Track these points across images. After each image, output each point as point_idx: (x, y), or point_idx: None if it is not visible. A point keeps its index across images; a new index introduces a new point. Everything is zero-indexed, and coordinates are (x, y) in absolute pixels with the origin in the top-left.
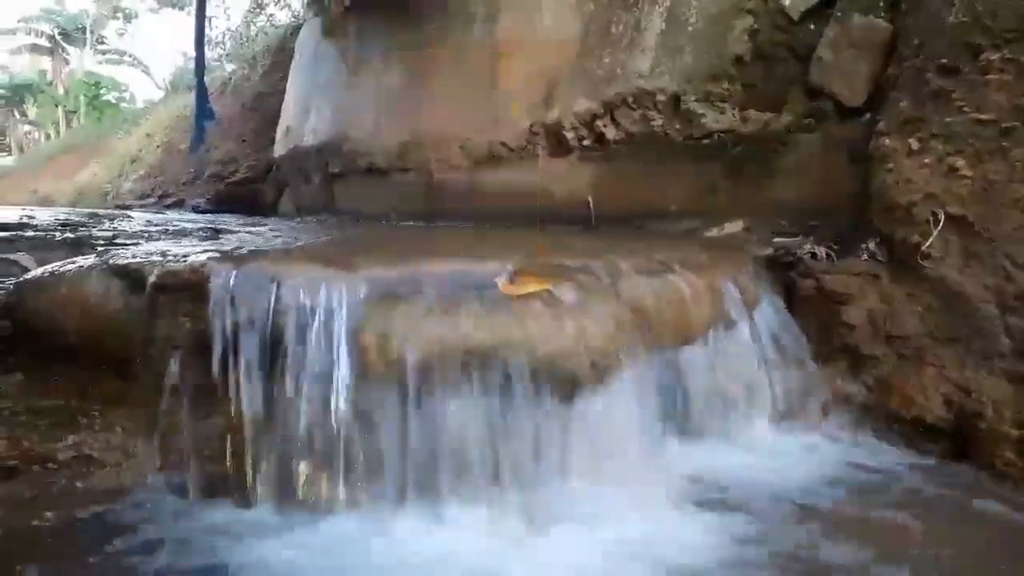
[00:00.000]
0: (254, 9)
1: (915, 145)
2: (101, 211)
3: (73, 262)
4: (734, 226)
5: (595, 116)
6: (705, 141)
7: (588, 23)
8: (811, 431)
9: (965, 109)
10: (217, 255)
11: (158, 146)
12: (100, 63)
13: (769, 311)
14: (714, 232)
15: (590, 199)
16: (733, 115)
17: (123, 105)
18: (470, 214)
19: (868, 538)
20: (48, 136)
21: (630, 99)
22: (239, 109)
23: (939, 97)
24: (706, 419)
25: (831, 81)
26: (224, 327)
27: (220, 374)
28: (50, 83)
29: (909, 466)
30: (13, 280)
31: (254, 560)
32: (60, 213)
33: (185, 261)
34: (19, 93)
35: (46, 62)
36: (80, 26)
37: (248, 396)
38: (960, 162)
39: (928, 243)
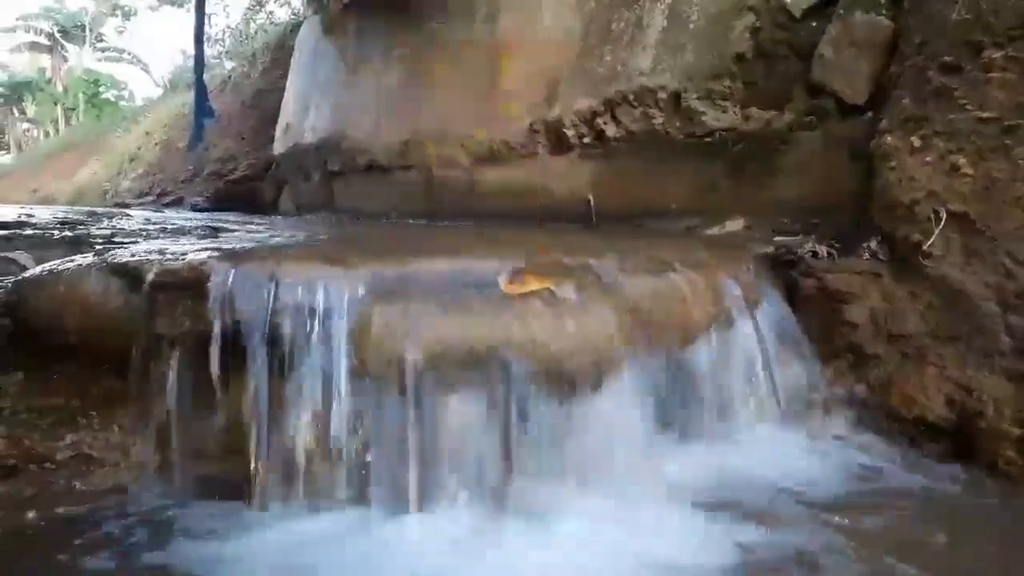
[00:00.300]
0: (254, 6)
1: (917, 143)
2: (100, 209)
3: (72, 260)
4: (735, 224)
5: (596, 114)
6: (706, 139)
7: (589, 21)
8: (812, 430)
9: (967, 107)
10: (216, 253)
11: (157, 144)
12: (99, 61)
13: (770, 310)
14: (715, 230)
15: (591, 197)
16: (734, 113)
17: (122, 103)
18: (470, 212)
19: (869, 538)
20: (47, 134)
21: (631, 97)
22: (238, 107)
23: (941, 95)
24: (707, 419)
25: (833, 79)
26: (223, 325)
27: (219, 373)
28: (49, 81)
29: (910, 465)
30: (11, 279)
31: (253, 559)
32: (59, 211)
33: (184, 259)
34: (18, 91)
35: (45, 60)
36: (79, 24)
37: (247, 395)
38: (962, 160)
39: (930, 241)
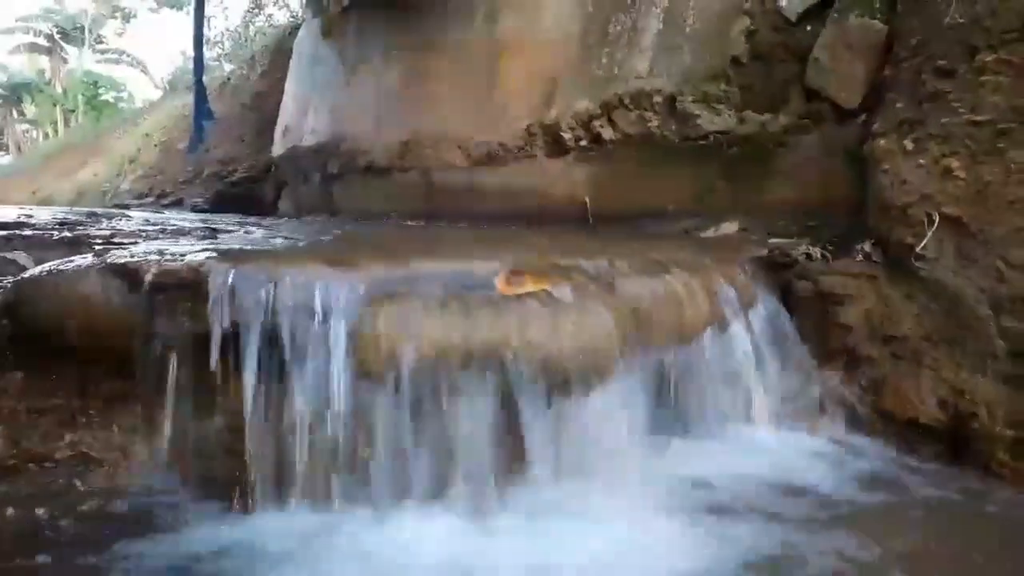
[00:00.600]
0: (253, 9)
1: (910, 146)
2: (99, 210)
3: (71, 261)
4: (730, 227)
5: (592, 116)
6: (702, 142)
7: (587, 23)
8: (807, 432)
9: (961, 110)
10: (215, 254)
11: (156, 146)
12: (99, 63)
13: (765, 312)
14: (711, 232)
15: (587, 199)
16: (730, 116)
17: (121, 105)
18: (469, 214)
19: (862, 539)
20: (46, 135)
21: (627, 100)
22: (238, 109)
23: (935, 98)
24: (702, 419)
25: (827, 82)
26: (222, 326)
27: (218, 373)
28: (48, 82)
29: (904, 467)
30: (11, 279)
31: (251, 559)
32: (58, 212)
33: (183, 260)
34: (17, 92)
35: (44, 61)
36: (79, 25)
37: (246, 395)
38: (955, 163)
39: (922, 244)
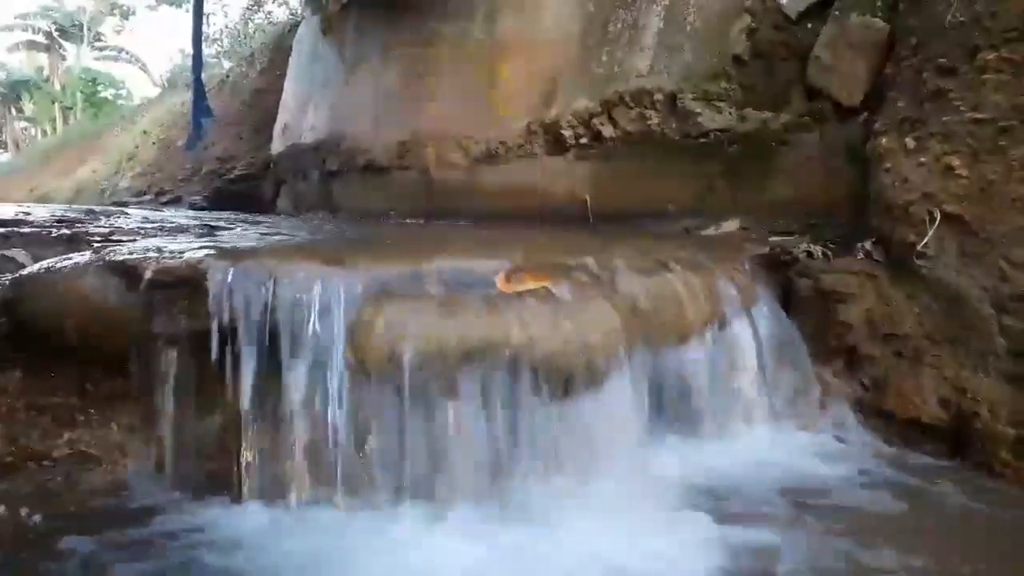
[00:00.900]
0: (252, 6)
1: (912, 144)
2: (98, 208)
3: (69, 258)
4: (731, 225)
5: (593, 115)
6: (702, 140)
7: (587, 22)
8: (807, 430)
9: (962, 108)
10: (214, 252)
11: (155, 143)
12: (97, 60)
13: (766, 310)
14: (711, 231)
15: (588, 198)
16: (730, 114)
17: (120, 102)
18: (469, 212)
19: (862, 537)
20: (45, 133)
21: (628, 98)
22: (237, 106)
23: (937, 97)
24: (702, 417)
25: (829, 81)
26: (221, 323)
27: (217, 370)
28: (47, 80)
29: (905, 465)
30: (9, 276)
31: (250, 556)
32: (57, 210)
33: (182, 257)
34: (16, 90)
35: (43, 59)
36: (77, 23)
37: (245, 392)
38: (957, 161)
39: (924, 243)
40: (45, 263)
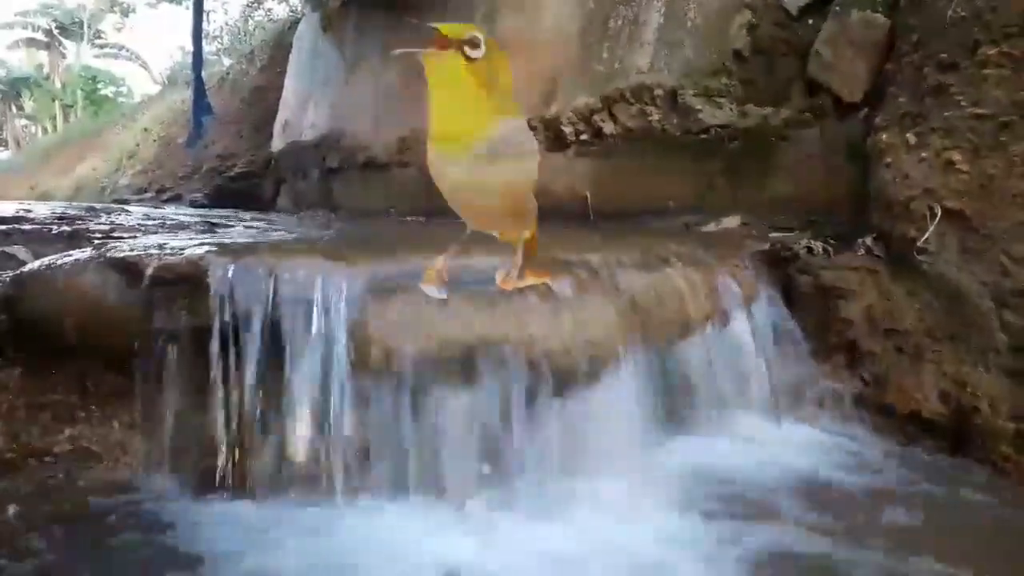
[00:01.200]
0: (252, 4)
1: (913, 140)
2: (98, 205)
3: (70, 255)
4: (732, 221)
5: (593, 111)
6: (703, 136)
7: (587, 19)
8: (808, 426)
9: (963, 104)
10: (215, 248)
11: (155, 141)
12: (97, 57)
13: (766, 306)
14: (712, 227)
15: (588, 194)
16: (731, 110)
17: (120, 100)
18: None
19: (863, 533)
20: (45, 131)
21: (628, 94)
22: (237, 104)
23: (937, 92)
24: (703, 413)
25: (829, 77)
26: (222, 320)
27: (218, 367)
28: (47, 77)
29: (905, 461)
30: (9, 273)
31: (251, 554)
32: (57, 207)
33: (183, 254)
34: (16, 87)
35: (43, 56)
36: (77, 20)
37: (246, 389)
38: (958, 157)
39: (925, 238)
40: (46, 260)
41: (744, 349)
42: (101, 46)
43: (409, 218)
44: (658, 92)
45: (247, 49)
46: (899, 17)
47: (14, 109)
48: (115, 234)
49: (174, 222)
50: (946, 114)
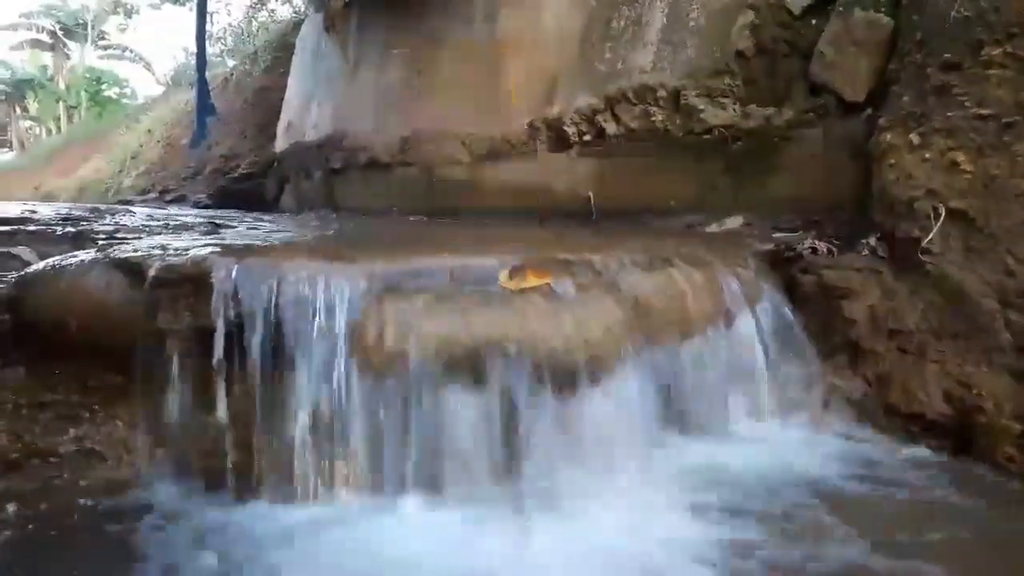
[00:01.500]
0: (255, 4)
1: (916, 140)
2: (102, 206)
3: (74, 256)
4: (735, 222)
5: (596, 111)
6: (705, 136)
7: (589, 19)
8: (811, 426)
9: (967, 104)
10: (218, 249)
11: (159, 141)
12: (101, 58)
13: (770, 306)
14: (715, 228)
15: (591, 194)
16: (734, 110)
17: (124, 101)
18: (471, 209)
19: (867, 533)
20: (49, 132)
21: (631, 94)
22: (240, 104)
23: (941, 92)
24: (706, 414)
25: (832, 77)
26: (226, 321)
27: (221, 367)
28: (51, 78)
29: (909, 461)
30: (14, 274)
31: (253, 553)
32: (61, 208)
33: (186, 255)
34: (20, 89)
35: (47, 57)
36: (81, 21)
37: (249, 389)
38: (961, 157)
39: (928, 238)
40: (50, 261)
41: (747, 349)
42: (105, 47)
43: (411, 217)
44: (661, 92)
45: (250, 50)
46: (902, 17)
47: (18, 110)
48: (119, 235)
49: (178, 223)
50: (949, 114)
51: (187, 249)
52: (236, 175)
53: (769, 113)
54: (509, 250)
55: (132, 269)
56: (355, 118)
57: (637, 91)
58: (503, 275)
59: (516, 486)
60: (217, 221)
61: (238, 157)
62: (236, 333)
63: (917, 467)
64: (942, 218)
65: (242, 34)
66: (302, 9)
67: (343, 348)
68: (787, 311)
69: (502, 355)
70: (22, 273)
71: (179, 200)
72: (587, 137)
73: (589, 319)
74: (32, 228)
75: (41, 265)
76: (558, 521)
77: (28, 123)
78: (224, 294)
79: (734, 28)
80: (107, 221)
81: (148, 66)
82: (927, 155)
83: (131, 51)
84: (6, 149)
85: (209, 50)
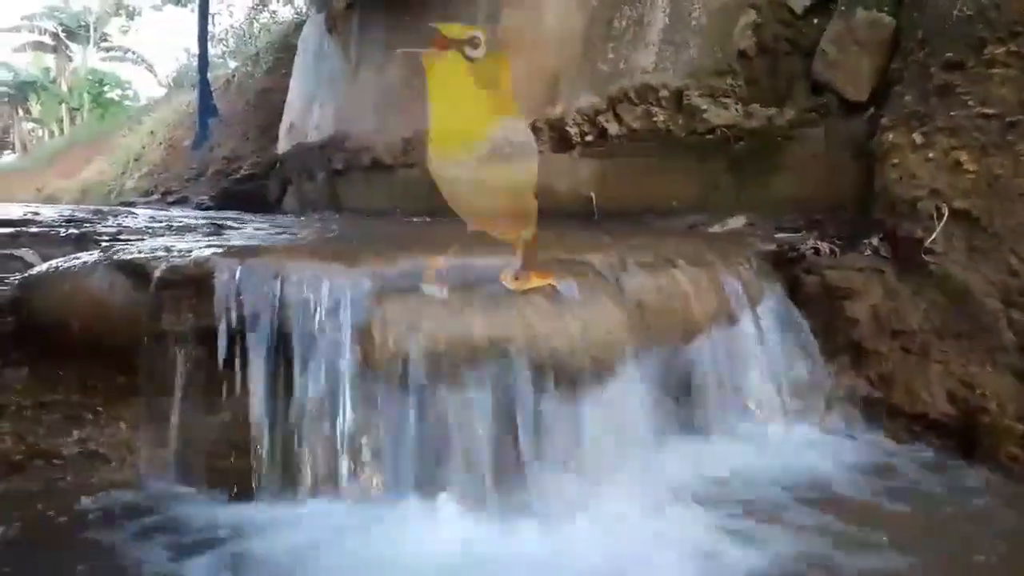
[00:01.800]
0: (257, 6)
1: (919, 140)
2: (105, 208)
3: (77, 258)
4: (737, 222)
5: (598, 112)
6: (708, 136)
7: (591, 19)
8: (814, 426)
9: (970, 103)
10: (221, 250)
11: (161, 143)
12: (103, 60)
13: (773, 306)
14: (717, 228)
15: (593, 195)
16: (736, 110)
17: (127, 103)
18: None
19: (870, 533)
20: (52, 134)
21: (633, 94)
22: (242, 106)
23: (944, 91)
24: (709, 414)
25: (835, 76)
26: (229, 322)
27: (225, 369)
28: (54, 81)
29: (912, 461)
30: (18, 276)
31: (256, 552)
32: (64, 210)
33: (189, 256)
34: (23, 91)
35: (50, 59)
36: (83, 23)
37: (253, 391)
38: (964, 156)
39: (931, 238)
40: (53, 262)
41: (750, 350)
42: (107, 49)
43: (414, 218)
44: (663, 92)
45: (252, 51)
46: (904, 16)
47: (21, 112)
48: (122, 237)
49: (180, 224)
50: (952, 113)
51: (190, 250)
52: (238, 176)
53: (771, 113)
54: (511, 251)
55: (135, 271)
56: (357, 119)
57: (639, 91)
58: (507, 275)
59: (519, 486)
60: (220, 223)
61: (240, 158)
62: (240, 334)
63: (921, 467)
64: (945, 218)
65: (244, 35)
66: (304, 10)
67: (346, 348)
68: (790, 311)
69: (505, 355)
70: (25, 275)
71: (182, 202)
72: (589, 137)
73: (591, 319)
74: (35, 230)
75: (44, 267)
76: (560, 522)
77: (31, 125)
78: (227, 295)
79: (736, 28)
80: (110, 223)
81: (150, 68)
82: (930, 155)
83: (133, 53)
84: (9, 151)
85: (211, 51)
